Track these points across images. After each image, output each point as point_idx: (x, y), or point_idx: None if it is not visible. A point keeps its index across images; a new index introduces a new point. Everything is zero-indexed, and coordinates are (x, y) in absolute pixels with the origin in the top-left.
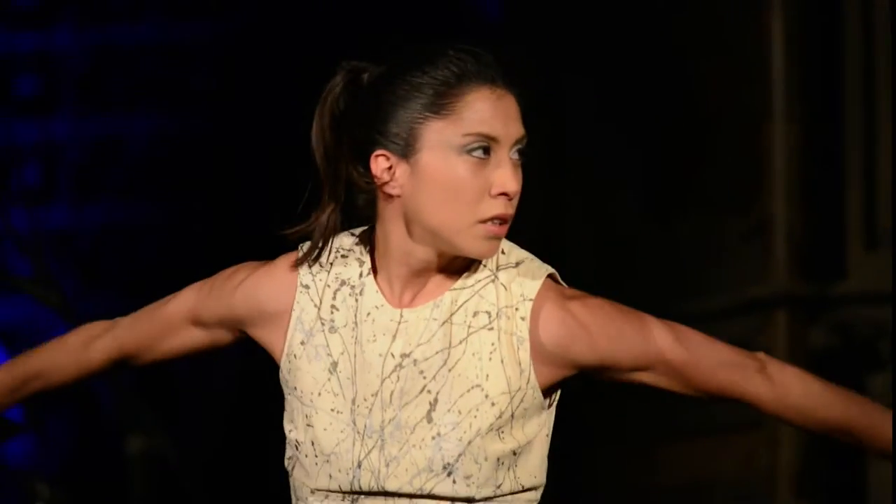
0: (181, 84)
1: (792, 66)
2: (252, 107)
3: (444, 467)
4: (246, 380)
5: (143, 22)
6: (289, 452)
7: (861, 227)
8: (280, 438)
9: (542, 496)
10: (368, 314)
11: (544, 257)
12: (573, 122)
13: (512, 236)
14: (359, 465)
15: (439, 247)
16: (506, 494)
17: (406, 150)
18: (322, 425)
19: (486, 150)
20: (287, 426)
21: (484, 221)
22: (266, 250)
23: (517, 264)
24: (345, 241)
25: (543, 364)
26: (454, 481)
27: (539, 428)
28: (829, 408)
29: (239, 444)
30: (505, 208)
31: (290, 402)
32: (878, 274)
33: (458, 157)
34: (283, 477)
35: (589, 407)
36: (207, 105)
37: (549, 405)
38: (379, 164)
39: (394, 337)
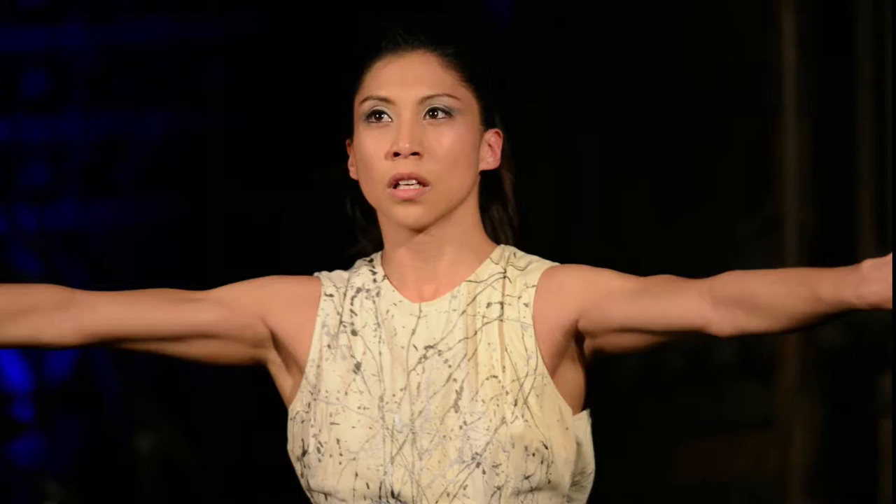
0: (190, 82)
1: (803, 63)
2: (262, 105)
3: (473, 457)
4: (257, 377)
5: (153, 20)
6: (306, 466)
7: (873, 225)
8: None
9: None
10: (388, 311)
11: (551, 256)
12: (581, 120)
13: (517, 241)
14: (391, 461)
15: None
16: (535, 489)
17: (350, 134)
18: (350, 423)
19: (381, 115)
20: (306, 436)
21: (390, 186)
22: (273, 250)
23: (527, 265)
24: (359, 262)
25: (546, 344)
26: (483, 471)
27: (562, 429)
28: (772, 286)
29: (249, 442)
30: (396, 168)
31: (312, 409)
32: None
33: (363, 127)
34: (294, 473)
35: (599, 407)
36: (217, 103)
37: (575, 408)
38: (350, 151)
39: (414, 330)
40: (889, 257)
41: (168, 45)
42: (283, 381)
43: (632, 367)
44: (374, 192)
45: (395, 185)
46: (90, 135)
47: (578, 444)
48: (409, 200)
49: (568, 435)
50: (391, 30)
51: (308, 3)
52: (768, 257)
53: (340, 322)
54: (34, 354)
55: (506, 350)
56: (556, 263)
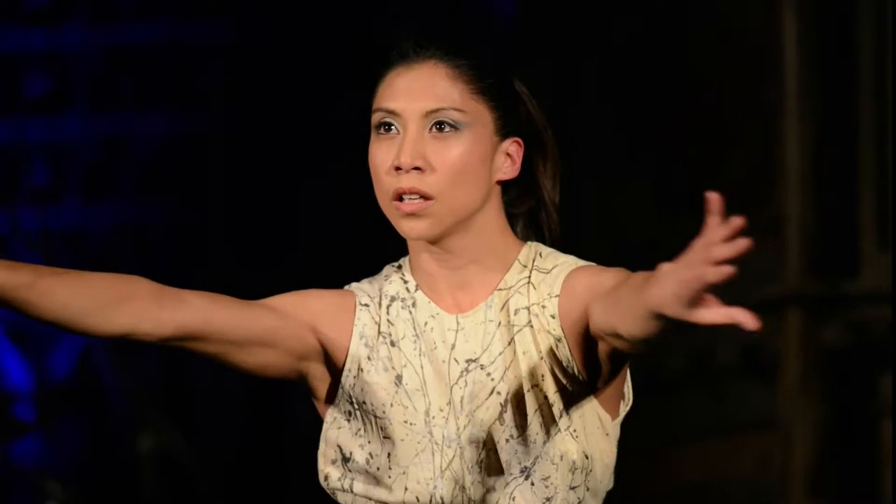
0: (192, 84)
1: (805, 63)
2: (263, 106)
3: (522, 471)
4: (259, 378)
5: (155, 21)
6: (348, 472)
7: (874, 226)
8: (295, 436)
9: None
10: (426, 323)
11: (564, 244)
12: (584, 120)
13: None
14: (441, 475)
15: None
16: (580, 500)
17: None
18: (398, 437)
19: (390, 126)
20: (350, 445)
21: (394, 199)
22: (274, 250)
23: (552, 268)
24: (387, 268)
25: (578, 353)
26: (532, 483)
27: (602, 436)
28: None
29: (251, 442)
30: (399, 182)
31: (358, 418)
32: (892, 272)
33: (373, 137)
34: (296, 473)
35: None
36: (218, 104)
37: (613, 413)
38: None
39: (454, 345)
40: (680, 260)
41: (169, 47)
42: (321, 389)
43: (634, 367)
44: (382, 204)
45: (400, 198)
46: (92, 135)
47: (612, 447)
48: (412, 214)
49: (609, 441)
50: (403, 40)
51: (310, 4)
52: (770, 256)
53: (379, 332)
54: (35, 355)
55: (542, 360)
56: (582, 262)
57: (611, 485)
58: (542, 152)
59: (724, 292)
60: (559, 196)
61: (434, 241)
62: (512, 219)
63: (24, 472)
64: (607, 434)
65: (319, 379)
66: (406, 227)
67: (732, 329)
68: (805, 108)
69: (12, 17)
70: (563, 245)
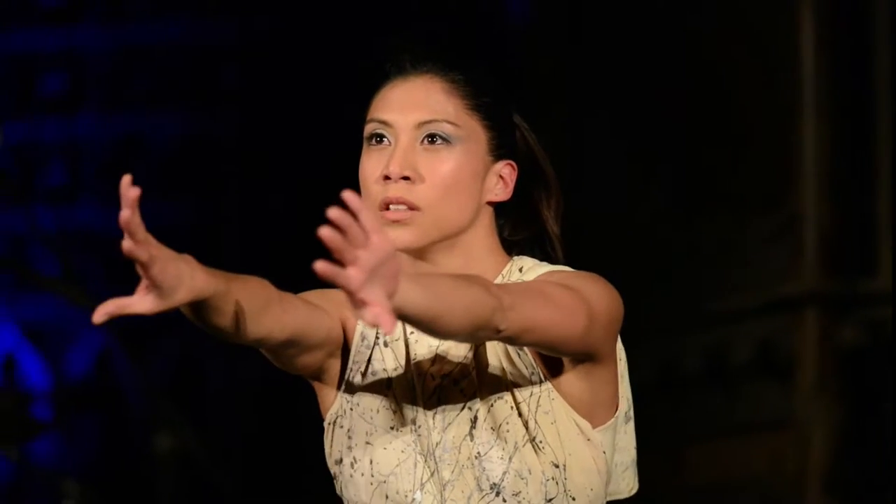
0: (206, 83)
1: (822, 62)
2: (277, 106)
3: (492, 487)
4: (273, 380)
5: (169, 20)
6: (340, 473)
7: (891, 225)
8: (312, 436)
9: None
10: (412, 332)
11: (569, 261)
12: (599, 120)
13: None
14: (421, 488)
15: None
16: None
17: None
18: (382, 444)
19: (382, 138)
20: (339, 447)
21: (381, 209)
22: (288, 250)
23: (528, 275)
24: None
25: (539, 357)
26: (504, 499)
27: (583, 442)
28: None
29: (267, 442)
30: (387, 191)
31: (351, 418)
32: None
33: (365, 148)
34: (312, 473)
35: None
36: (232, 104)
37: (597, 420)
38: None
39: (433, 359)
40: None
41: (184, 46)
42: (327, 389)
43: (649, 366)
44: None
45: (387, 208)
46: (107, 135)
47: (601, 454)
48: (397, 222)
49: (592, 447)
50: (400, 53)
51: (324, 5)
52: (786, 255)
53: (376, 335)
54: (53, 355)
55: (508, 371)
56: (557, 268)
57: (623, 487)
58: (545, 186)
59: (742, 291)
60: (560, 227)
61: (419, 257)
62: (510, 243)
63: (42, 471)
64: (589, 440)
65: (330, 375)
66: (392, 237)
67: (749, 328)
68: (821, 108)
69: (28, 17)
70: (579, 247)
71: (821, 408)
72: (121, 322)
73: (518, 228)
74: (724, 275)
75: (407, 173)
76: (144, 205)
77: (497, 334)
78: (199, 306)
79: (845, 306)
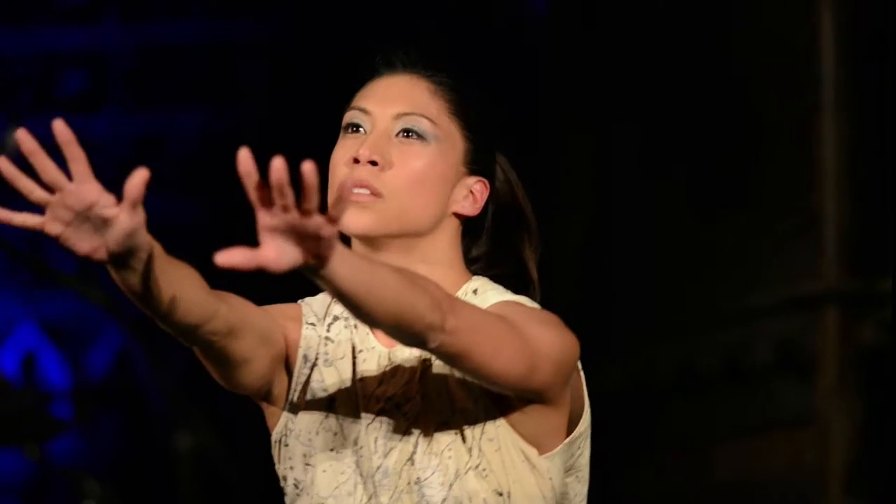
0: (227, 81)
1: (842, 60)
2: (298, 104)
3: None
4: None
5: (190, 19)
6: (286, 492)
7: None
8: None
9: (590, 496)
10: (361, 352)
11: (592, 259)
12: (621, 119)
13: (560, 235)
14: None
15: None
16: None
17: None
18: (322, 466)
19: (358, 127)
20: (284, 466)
21: (345, 191)
22: None
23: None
24: None
25: (489, 393)
26: None
27: (528, 470)
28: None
29: None
30: (353, 173)
31: (289, 441)
32: None
33: (340, 137)
34: None
35: (635, 406)
36: (254, 102)
37: (544, 447)
38: None
39: (380, 380)
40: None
41: (205, 45)
42: (272, 409)
43: (669, 365)
44: (331, 199)
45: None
46: (128, 133)
47: (558, 480)
48: (357, 204)
49: (538, 474)
50: (391, 52)
51: (346, 2)
52: (807, 254)
53: (317, 354)
54: (73, 354)
55: (454, 395)
56: (509, 298)
57: None
58: (528, 230)
59: (762, 290)
60: (536, 272)
61: (375, 249)
62: (472, 262)
63: (62, 470)
64: (534, 467)
65: (275, 396)
66: (349, 219)
67: (769, 327)
68: (841, 106)
69: (48, 16)
70: (602, 247)
71: (841, 406)
72: (141, 321)
73: (493, 264)
74: (744, 274)
75: (375, 158)
76: (164, 203)
77: (425, 347)
78: (133, 263)
79: (866, 305)
